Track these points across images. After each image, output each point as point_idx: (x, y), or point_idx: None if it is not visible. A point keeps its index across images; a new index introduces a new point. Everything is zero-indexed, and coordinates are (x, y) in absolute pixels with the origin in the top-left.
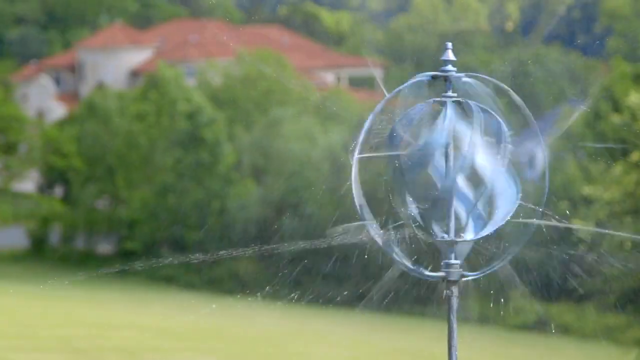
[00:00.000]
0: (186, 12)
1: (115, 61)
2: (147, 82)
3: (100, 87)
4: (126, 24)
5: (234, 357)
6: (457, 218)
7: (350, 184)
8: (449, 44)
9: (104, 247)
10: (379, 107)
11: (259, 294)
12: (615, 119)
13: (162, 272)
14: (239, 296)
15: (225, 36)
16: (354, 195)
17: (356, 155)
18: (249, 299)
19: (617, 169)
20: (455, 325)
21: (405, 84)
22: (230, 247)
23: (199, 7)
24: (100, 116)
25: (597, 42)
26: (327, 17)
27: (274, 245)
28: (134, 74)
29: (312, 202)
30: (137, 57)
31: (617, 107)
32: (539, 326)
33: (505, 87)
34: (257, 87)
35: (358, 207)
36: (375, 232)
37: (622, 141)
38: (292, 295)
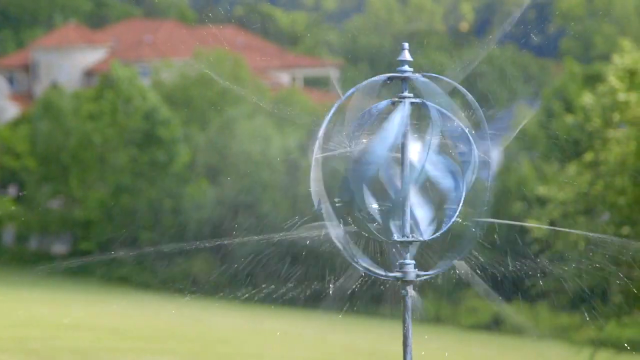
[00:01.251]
0: (140, 12)
1: (69, 61)
2: (101, 81)
3: (54, 86)
4: (80, 24)
5: (190, 357)
6: (411, 218)
7: (308, 184)
8: (406, 44)
9: (59, 248)
10: (335, 107)
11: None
12: (569, 119)
13: (117, 272)
14: (187, 295)
15: (179, 36)
16: (313, 195)
17: (314, 155)
18: (198, 296)
19: (571, 169)
20: (410, 325)
21: (361, 84)
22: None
23: (153, 7)
24: (55, 116)
25: (551, 42)
26: (282, 18)
27: (233, 239)
28: (88, 73)
29: (268, 201)
30: (91, 56)
31: (569, 108)
32: (494, 325)
33: (460, 87)
34: (213, 87)
35: (316, 206)
36: (332, 231)
37: (575, 142)
38: (248, 294)
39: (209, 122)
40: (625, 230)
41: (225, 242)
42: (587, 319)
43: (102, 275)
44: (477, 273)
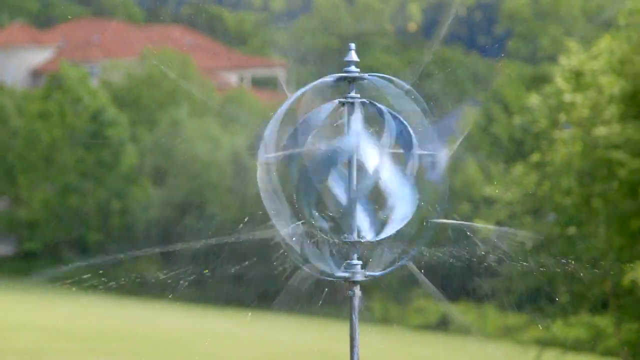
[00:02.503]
0: (88, 12)
1: (15, 61)
2: (49, 81)
3: (0, 87)
4: (26, 24)
5: (139, 358)
6: (359, 219)
7: (257, 185)
8: (352, 45)
9: (4, 249)
10: (282, 108)
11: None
12: (516, 120)
13: (64, 274)
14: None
15: (127, 36)
16: (262, 196)
17: (261, 157)
18: (152, 299)
19: (517, 169)
20: (357, 326)
21: (309, 85)
22: (132, 247)
23: (100, 6)
24: (0, 116)
25: (497, 44)
26: (230, 18)
27: (183, 243)
28: (35, 73)
29: (216, 202)
30: (38, 56)
31: (507, 109)
32: (442, 325)
33: (409, 87)
34: (161, 87)
35: (265, 207)
36: (280, 231)
37: (520, 142)
38: (196, 295)
39: (156, 123)
40: (572, 230)
41: (179, 247)
42: (534, 318)
43: (49, 276)
44: (424, 274)
